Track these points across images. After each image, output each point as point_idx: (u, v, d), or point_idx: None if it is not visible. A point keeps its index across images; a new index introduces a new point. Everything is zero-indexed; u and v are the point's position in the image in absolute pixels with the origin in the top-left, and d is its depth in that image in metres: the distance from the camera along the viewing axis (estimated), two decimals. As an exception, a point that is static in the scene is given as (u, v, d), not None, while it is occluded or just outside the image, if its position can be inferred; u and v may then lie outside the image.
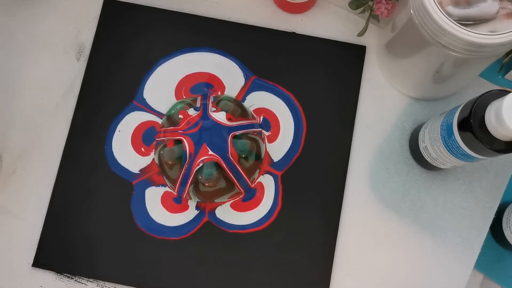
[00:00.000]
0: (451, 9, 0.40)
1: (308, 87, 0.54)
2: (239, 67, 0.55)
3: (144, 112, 0.54)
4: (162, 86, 0.54)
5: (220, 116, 0.48)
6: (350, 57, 0.55)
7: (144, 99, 0.54)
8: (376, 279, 0.50)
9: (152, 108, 0.54)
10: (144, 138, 0.53)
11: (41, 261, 0.50)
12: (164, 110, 0.54)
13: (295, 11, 0.56)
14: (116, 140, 0.53)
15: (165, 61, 0.55)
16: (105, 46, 0.55)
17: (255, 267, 0.50)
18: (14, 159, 0.53)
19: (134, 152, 0.53)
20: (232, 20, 0.56)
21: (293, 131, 0.53)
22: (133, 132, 0.53)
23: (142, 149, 0.53)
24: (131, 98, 0.54)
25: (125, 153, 0.53)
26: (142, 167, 0.53)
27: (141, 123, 0.54)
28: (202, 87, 0.54)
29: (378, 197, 0.52)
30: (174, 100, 0.54)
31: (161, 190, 0.52)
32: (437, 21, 0.39)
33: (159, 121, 0.53)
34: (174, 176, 0.49)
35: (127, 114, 0.54)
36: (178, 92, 0.54)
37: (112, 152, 0.53)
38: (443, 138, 0.43)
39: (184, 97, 0.54)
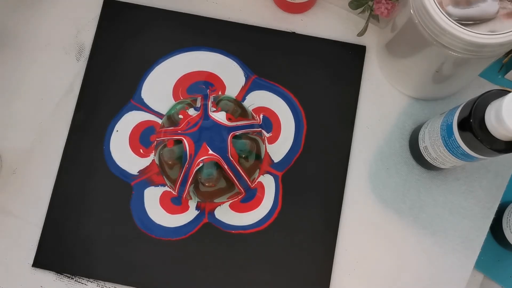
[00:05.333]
0: (451, 9, 0.40)
1: (308, 87, 0.54)
2: (240, 66, 0.55)
3: (142, 112, 0.54)
4: (160, 85, 0.54)
5: (220, 116, 0.48)
6: (350, 57, 0.55)
7: (142, 99, 0.54)
8: (376, 279, 0.50)
9: (149, 107, 0.54)
10: (142, 138, 0.53)
11: (41, 261, 0.50)
12: (162, 109, 0.54)
13: (295, 11, 0.56)
14: (114, 140, 0.53)
15: (164, 60, 0.55)
16: (105, 46, 0.55)
17: (255, 267, 0.50)
18: (14, 159, 0.53)
19: (132, 153, 0.53)
20: (232, 20, 0.56)
21: (294, 131, 0.53)
22: (131, 132, 0.53)
23: (141, 151, 0.53)
24: (129, 97, 0.54)
25: (123, 153, 0.53)
26: (141, 168, 0.52)
27: (139, 123, 0.54)
28: (201, 86, 0.54)
29: (378, 197, 0.52)
30: (171, 99, 0.54)
31: (160, 190, 0.52)
32: (437, 21, 0.39)
33: (157, 120, 0.53)
34: (174, 176, 0.49)
35: (125, 113, 0.54)
36: (176, 90, 0.54)
37: (110, 153, 0.53)
38: (443, 138, 0.43)
39: (181, 97, 0.54)
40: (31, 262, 0.51)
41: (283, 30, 0.56)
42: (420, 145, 0.49)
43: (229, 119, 0.48)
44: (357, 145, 0.53)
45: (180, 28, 0.56)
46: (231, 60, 0.55)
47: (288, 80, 0.54)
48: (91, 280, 0.50)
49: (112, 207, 0.51)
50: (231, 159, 0.47)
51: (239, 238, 0.51)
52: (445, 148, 0.44)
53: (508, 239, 0.49)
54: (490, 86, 0.54)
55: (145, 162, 0.53)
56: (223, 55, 0.55)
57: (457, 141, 0.41)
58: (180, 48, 0.55)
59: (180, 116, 0.49)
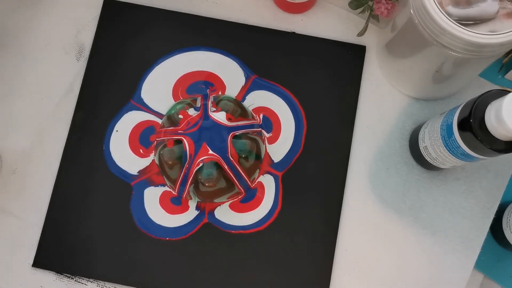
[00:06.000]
0: (451, 9, 0.40)
1: (308, 87, 0.54)
2: (240, 66, 0.55)
3: (142, 112, 0.54)
4: (160, 84, 0.54)
5: (220, 116, 0.48)
6: (350, 57, 0.55)
7: (142, 99, 0.54)
8: (376, 279, 0.50)
9: (149, 107, 0.54)
10: (142, 138, 0.53)
11: (41, 261, 0.50)
12: (161, 109, 0.54)
13: (295, 11, 0.56)
14: (114, 140, 0.53)
15: (164, 60, 0.55)
16: (105, 46, 0.55)
17: (255, 267, 0.50)
18: (14, 159, 0.53)
19: (132, 153, 0.53)
20: (232, 20, 0.56)
21: (294, 131, 0.53)
22: (130, 132, 0.53)
23: (141, 151, 0.53)
24: (129, 97, 0.54)
25: (123, 153, 0.53)
26: (141, 168, 0.52)
27: (138, 123, 0.54)
28: (200, 86, 0.54)
29: (378, 197, 0.52)
30: (171, 99, 0.54)
31: (159, 190, 0.52)
32: (437, 21, 0.39)
33: (157, 120, 0.53)
34: (174, 176, 0.49)
35: (124, 113, 0.54)
36: (176, 90, 0.54)
37: (110, 153, 0.53)
38: (443, 138, 0.43)
39: (181, 97, 0.54)
40: (31, 262, 0.51)
41: (283, 30, 0.56)
42: (420, 145, 0.49)
43: (229, 119, 0.48)
44: (357, 145, 0.53)
45: (180, 28, 0.56)
46: (231, 60, 0.55)
47: (288, 80, 0.54)
48: (91, 280, 0.50)
49: (112, 207, 0.51)
50: (231, 159, 0.47)
51: (239, 238, 0.51)
52: (445, 148, 0.44)
53: (508, 239, 0.49)
54: (490, 86, 0.54)
55: (145, 162, 0.53)
56: (223, 55, 0.55)
57: (457, 141, 0.41)
58: (180, 48, 0.55)
59: (180, 116, 0.49)
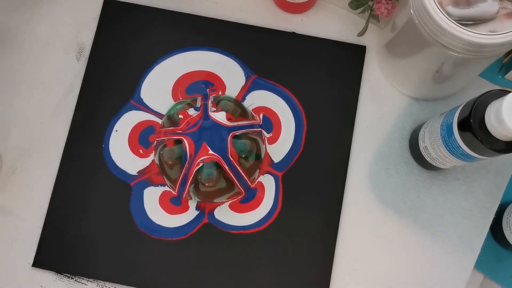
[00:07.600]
0: (451, 9, 0.40)
1: (308, 87, 0.54)
2: (240, 66, 0.55)
3: (141, 112, 0.54)
4: (159, 84, 0.54)
5: (220, 116, 0.48)
6: (350, 57, 0.55)
7: (141, 99, 0.54)
8: (376, 279, 0.50)
9: (149, 107, 0.54)
10: (141, 138, 0.53)
11: (41, 261, 0.50)
12: (161, 109, 0.54)
13: (295, 11, 0.56)
14: (113, 140, 0.53)
15: (164, 60, 0.55)
16: (105, 46, 0.55)
17: (255, 268, 0.50)
18: (14, 159, 0.53)
19: (132, 153, 0.53)
20: (232, 20, 0.56)
21: (294, 131, 0.53)
22: (130, 132, 0.53)
23: (140, 151, 0.53)
24: (129, 97, 0.54)
25: (123, 154, 0.53)
26: (140, 168, 0.52)
27: (138, 123, 0.53)
28: (200, 86, 0.54)
29: (378, 197, 0.52)
30: (171, 99, 0.54)
31: (159, 190, 0.52)
32: (437, 21, 0.39)
33: (156, 120, 0.53)
34: (174, 176, 0.49)
35: (124, 113, 0.54)
36: (175, 90, 0.54)
37: (109, 153, 0.53)
38: (443, 138, 0.43)
39: (181, 97, 0.54)
40: (31, 262, 0.51)
41: (283, 30, 0.56)
42: (420, 145, 0.49)
43: (229, 119, 0.48)
44: (357, 145, 0.53)
45: (180, 28, 0.56)
46: (231, 60, 0.55)
47: (288, 80, 0.54)
48: (91, 280, 0.50)
49: (111, 207, 0.51)
50: (231, 159, 0.47)
51: (239, 238, 0.51)
52: (445, 148, 0.44)
53: (508, 239, 0.49)
54: (490, 86, 0.54)
55: (144, 162, 0.53)
56: (223, 55, 0.55)
57: (457, 141, 0.41)
58: (180, 48, 0.55)
59: (180, 116, 0.49)
